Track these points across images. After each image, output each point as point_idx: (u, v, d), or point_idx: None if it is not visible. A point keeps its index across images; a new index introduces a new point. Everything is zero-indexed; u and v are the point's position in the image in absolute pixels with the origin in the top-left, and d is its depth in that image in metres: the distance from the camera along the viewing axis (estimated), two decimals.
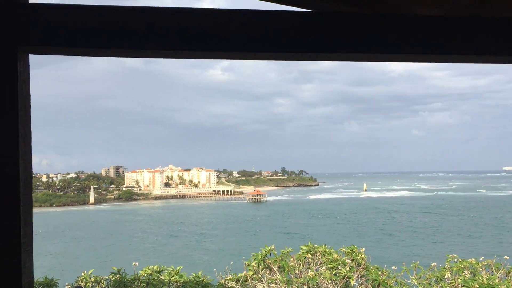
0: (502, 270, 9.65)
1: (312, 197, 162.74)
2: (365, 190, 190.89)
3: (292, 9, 2.31)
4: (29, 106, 2.39)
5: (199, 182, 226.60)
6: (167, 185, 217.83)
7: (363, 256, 9.23)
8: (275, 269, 9.02)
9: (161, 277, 8.09)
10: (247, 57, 2.32)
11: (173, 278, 7.99)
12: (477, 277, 8.82)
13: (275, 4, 2.42)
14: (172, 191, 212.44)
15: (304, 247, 9.36)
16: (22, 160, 2.25)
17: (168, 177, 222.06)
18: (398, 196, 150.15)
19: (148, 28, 2.26)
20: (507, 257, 10.02)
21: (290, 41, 2.10)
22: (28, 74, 2.40)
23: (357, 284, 9.03)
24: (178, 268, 8.37)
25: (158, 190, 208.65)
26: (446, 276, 9.26)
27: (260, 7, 2.25)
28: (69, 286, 7.32)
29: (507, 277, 9.52)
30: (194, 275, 7.85)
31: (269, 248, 9.22)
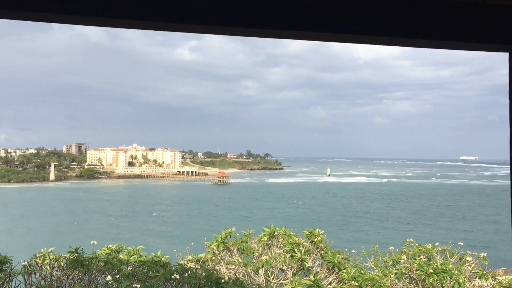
0: (456, 255, 9.99)
1: (276, 180, 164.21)
2: (329, 175, 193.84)
3: None
4: None
5: (163, 162, 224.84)
6: (130, 164, 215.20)
7: (321, 238, 9.35)
8: (235, 251, 9.03)
9: (120, 256, 7.98)
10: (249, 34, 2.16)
11: (132, 257, 7.89)
12: (432, 262, 9.09)
13: None
14: (136, 170, 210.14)
15: (266, 229, 9.39)
16: None
17: (132, 156, 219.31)
18: (355, 182, 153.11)
19: None
20: (461, 243, 10.37)
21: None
22: None
23: (313, 266, 9.16)
24: (138, 247, 8.27)
25: (121, 169, 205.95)
26: (402, 260, 9.50)
27: None
28: (25, 263, 7.10)
29: (460, 262, 9.86)
30: (154, 254, 7.77)
31: (229, 230, 9.21)
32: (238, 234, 9.33)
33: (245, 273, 8.70)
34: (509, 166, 1.75)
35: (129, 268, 7.51)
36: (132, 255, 8.03)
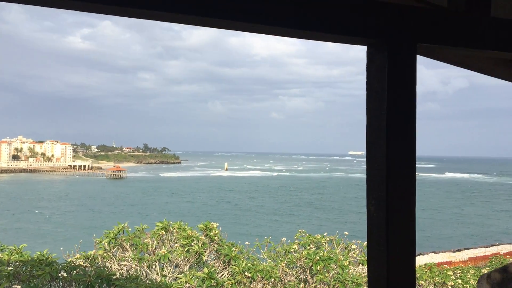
0: (342, 244, 10.68)
1: (171, 174, 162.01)
2: (226, 169, 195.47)
3: None
4: None
5: (53, 155, 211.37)
6: (15, 157, 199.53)
7: (216, 232, 9.42)
8: (127, 246, 8.79)
9: (0, 256, 7.38)
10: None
11: (13, 257, 7.33)
12: (320, 250, 9.61)
13: None
14: (21, 164, 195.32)
15: (159, 224, 9.26)
16: None
17: (17, 149, 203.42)
18: (249, 175, 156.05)
19: None
20: (347, 233, 11.11)
21: None
22: None
23: (209, 260, 9.22)
24: (20, 246, 7.70)
25: (4, 162, 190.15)
26: (293, 250, 9.93)
27: None
28: None
29: (345, 250, 10.55)
30: (39, 253, 7.29)
31: (122, 225, 8.94)
32: (131, 230, 9.08)
33: (139, 269, 8.50)
34: (366, 159, 1.88)
35: (9, 268, 6.98)
36: (13, 254, 7.47)
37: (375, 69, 1.87)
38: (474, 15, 2.02)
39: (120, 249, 8.84)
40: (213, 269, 8.11)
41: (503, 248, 37.07)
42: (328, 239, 10.83)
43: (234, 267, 8.53)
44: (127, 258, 8.64)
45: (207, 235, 9.32)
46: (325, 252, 9.43)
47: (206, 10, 1.57)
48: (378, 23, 1.83)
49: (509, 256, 30.91)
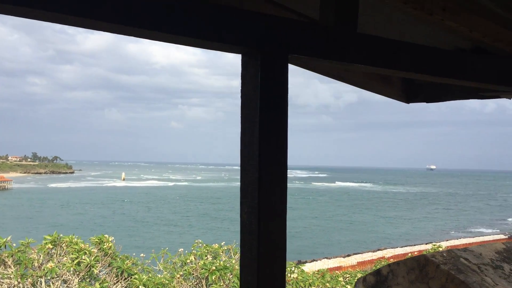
0: (239, 253, 10.81)
1: (60, 185, 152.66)
2: (123, 179, 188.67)
3: None
4: None
5: None
6: None
7: (110, 245, 9.12)
8: (10, 262, 8.16)
9: None
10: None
11: None
12: (217, 260, 9.64)
13: None
14: None
15: (48, 237, 8.72)
16: None
17: None
18: (146, 186, 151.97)
19: None
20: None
21: None
22: None
23: (101, 273, 8.89)
24: None
25: None
26: (189, 260, 9.86)
27: None
28: None
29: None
30: None
31: (3, 240, 8.29)
32: (15, 245, 8.46)
33: (22, 286, 7.93)
34: (239, 167, 1.94)
35: None
36: None
37: (249, 77, 1.91)
38: (343, 30, 2.14)
39: (2, 265, 8.18)
40: (105, 283, 7.81)
41: (388, 252, 39.81)
42: (226, 248, 10.89)
43: (134, 280, 8.31)
44: (9, 275, 8.02)
45: (101, 248, 8.98)
46: (221, 262, 9.47)
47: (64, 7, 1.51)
48: (251, 33, 1.87)
49: (392, 259, 33.23)
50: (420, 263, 3.77)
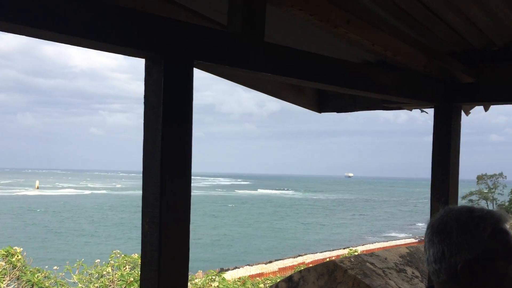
0: None
1: None
2: (37, 187, 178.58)
3: None
4: None
5: None
6: None
7: (19, 257, 8.65)
8: None
9: None
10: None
11: None
12: (135, 271, 9.37)
13: None
14: None
15: None
16: None
17: None
18: (61, 194, 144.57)
19: None
20: None
21: None
22: None
23: (10, 287, 8.43)
24: None
25: None
26: (107, 271, 9.52)
27: None
28: None
29: None
30: None
31: None
32: None
33: None
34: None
35: None
36: None
37: (152, 83, 1.86)
38: (250, 38, 2.14)
39: None
40: None
41: (308, 258, 40.76)
42: None
43: None
44: None
45: (8, 261, 8.49)
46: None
47: None
48: (155, 37, 1.82)
49: (311, 265, 34.08)
50: (329, 268, 3.88)
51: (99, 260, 10.29)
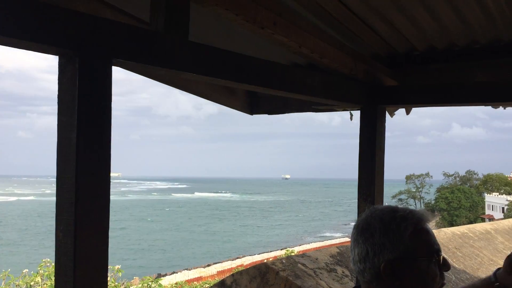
0: None
1: None
2: None
3: None
4: None
5: None
6: None
7: None
8: None
9: None
10: None
11: None
12: None
13: None
14: None
15: None
16: None
17: None
18: None
19: None
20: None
21: None
22: None
23: None
24: None
25: None
26: (36, 282, 9.18)
27: None
28: None
29: None
30: None
31: None
32: None
33: None
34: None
35: None
36: None
37: (66, 81, 1.74)
38: (173, 37, 2.07)
39: None
40: None
41: (246, 260, 40.90)
42: None
43: None
44: None
45: None
46: None
47: None
48: (69, 33, 1.70)
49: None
50: (262, 271, 3.88)
51: (27, 270, 9.88)
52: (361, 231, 1.45)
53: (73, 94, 1.71)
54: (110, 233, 1.85)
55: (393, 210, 1.44)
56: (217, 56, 2.32)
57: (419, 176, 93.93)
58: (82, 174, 1.73)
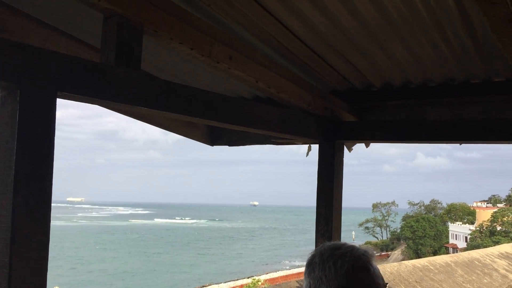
0: None
1: None
2: None
3: None
4: None
5: None
6: None
7: None
8: None
9: None
10: None
11: None
12: None
13: None
14: None
15: None
16: None
17: None
18: None
19: None
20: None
21: None
22: None
23: None
24: None
25: None
26: None
27: None
28: None
29: None
30: None
31: None
32: None
33: None
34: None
35: None
36: None
37: (6, 115, 1.67)
38: (124, 70, 2.03)
39: None
40: None
41: None
42: None
43: None
44: None
45: None
46: None
47: None
48: (10, 65, 1.64)
49: None
50: None
51: None
52: (307, 265, 1.55)
53: (13, 129, 1.64)
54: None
55: (334, 247, 1.52)
56: (170, 90, 2.27)
57: (385, 204, 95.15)
58: (19, 214, 1.63)
